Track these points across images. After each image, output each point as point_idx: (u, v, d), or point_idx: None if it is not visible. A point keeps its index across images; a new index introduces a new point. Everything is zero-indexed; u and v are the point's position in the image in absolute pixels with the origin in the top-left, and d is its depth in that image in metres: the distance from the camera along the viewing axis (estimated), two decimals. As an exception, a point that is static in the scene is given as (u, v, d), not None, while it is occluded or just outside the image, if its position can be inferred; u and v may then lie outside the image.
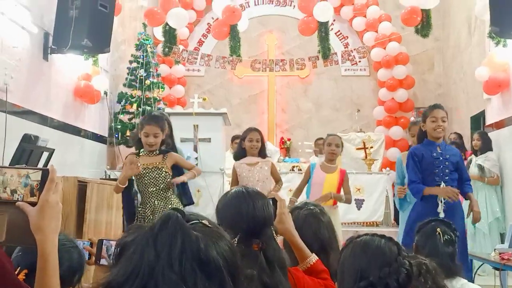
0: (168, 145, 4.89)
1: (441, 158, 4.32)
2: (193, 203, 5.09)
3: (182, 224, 1.04)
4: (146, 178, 4.43)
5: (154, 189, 4.43)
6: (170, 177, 4.47)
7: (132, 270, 0.99)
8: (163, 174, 4.44)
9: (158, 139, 4.41)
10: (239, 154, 5.30)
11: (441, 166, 4.30)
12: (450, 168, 4.31)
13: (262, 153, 5.22)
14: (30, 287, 1.39)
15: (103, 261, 2.11)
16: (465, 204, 4.58)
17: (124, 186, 4.41)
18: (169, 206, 4.36)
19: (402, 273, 1.60)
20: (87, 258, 2.13)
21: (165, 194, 4.47)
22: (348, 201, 5.28)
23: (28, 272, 1.62)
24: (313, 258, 2.12)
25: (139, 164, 4.38)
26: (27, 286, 1.34)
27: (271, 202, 2.04)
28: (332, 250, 2.38)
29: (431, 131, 4.35)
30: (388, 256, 1.62)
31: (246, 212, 1.90)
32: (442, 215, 4.13)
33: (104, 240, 2.18)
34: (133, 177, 4.46)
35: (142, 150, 4.48)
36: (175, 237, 1.01)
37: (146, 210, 4.44)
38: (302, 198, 5.27)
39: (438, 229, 2.63)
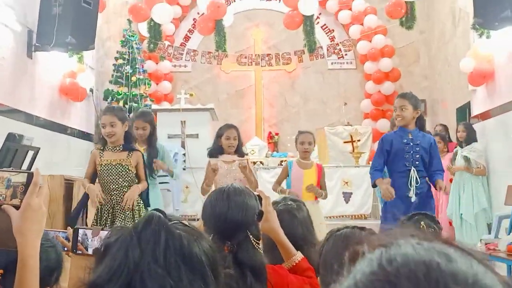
0: (148, 142, 5.17)
1: (411, 144, 4.44)
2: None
3: (165, 222, 1.07)
4: (108, 175, 4.33)
5: (115, 186, 4.32)
6: (133, 176, 4.37)
7: (117, 267, 1.01)
8: (126, 172, 4.33)
9: (116, 129, 4.28)
10: (215, 151, 5.02)
11: (411, 152, 4.43)
12: (421, 153, 4.44)
13: (239, 151, 5.00)
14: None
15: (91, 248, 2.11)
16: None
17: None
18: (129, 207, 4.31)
19: None
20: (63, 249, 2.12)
21: (125, 192, 4.33)
22: (325, 196, 5.30)
23: (4, 272, 1.60)
24: (298, 256, 2.11)
25: (101, 159, 4.33)
26: None
27: (255, 203, 1.96)
28: (306, 245, 2.36)
29: (395, 121, 4.60)
30: None
31: (219, 213, 1.85)
32: (413, 199, 4.35)
33: (79, 229, 2.18)
34: (97, 172, 4.39)
35: (107, 145, 4.38)
36: (159, 234, 1.04)
37: (106, 207, 4.33)
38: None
39: (422, 223, 2.65)
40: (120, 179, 4.31)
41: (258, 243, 1.87)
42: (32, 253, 1.41)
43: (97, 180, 4.44)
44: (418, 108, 4.54)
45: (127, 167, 4.32)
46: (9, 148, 4.85)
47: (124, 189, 4.32)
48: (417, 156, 4.44)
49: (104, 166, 4.31)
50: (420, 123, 4.57)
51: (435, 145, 4.63)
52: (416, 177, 4.39)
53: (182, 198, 7.73)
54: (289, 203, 2.51)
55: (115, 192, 4.32)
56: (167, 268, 1.01)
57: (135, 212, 4.35)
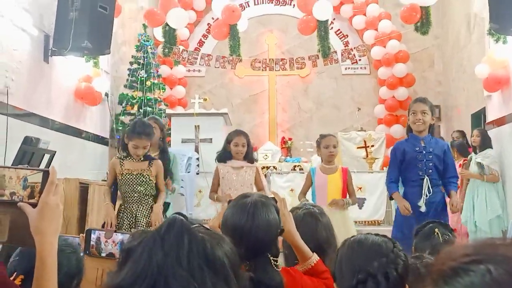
0: (160, 147, 5.13)
1: (424, 152, 4.35)
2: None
3: (187, 225, 1.08)
4: (129, 184, 4.36)
5: (136, 194, 4.37)
6: (153, 185, 4.41)
7: (141, 271, 1.01)
8: (146, 182, 4.37)
9: (146, 149, 4.39)
10: (224, 157, 5.03)
11: (424, 160, 4.34)
12: (435, 161, 4.36)
13: (248, 158, 5.00)
14: None
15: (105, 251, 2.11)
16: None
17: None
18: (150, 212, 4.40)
19: (400, 264, 1.62)
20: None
21: (146, 200, 4.40)
22: (354, 202, 4.98)
23: (24, 278, 1.61)
24: (314, 259, 2.08)
25: (121, 168, 4.35)
26: None
27: (278, 217, 1.86)
28: (330, 250, 2.31)
29: (412, 125, 4.42)
30: (384, 249, 1.65)
31: (241, 233, 1.75)
32: (423, 208, 4.28)
33: (91, 230, 2.18)
34: (118, 180, 4.43)
35: (129, 156, 4.41)
36: (182, 237, 1.04)
37: (126, 215, 4.37)
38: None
39: (436, 230, 2.65)
40: (141, 188, 4.35)
41: (276, 260, 1.81)
42: (50, 251, 1.41)
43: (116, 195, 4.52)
44: (434, 115, 4.50)
45: (148, 177, 4.35)
46: (26, 151, 4.90)
47: (144, 197, 4.38)
48: (430, 164, 4.35)
49: (125, 175, 4.35)
50: (432, 130, 4.52)
51: (448, 150, 4.55)
52: (429, 186, 4.32)
53: (195, 202, 7.75)
54: (309, 207, 2.48)
55: (135, 199, 4.37)
56: (191, 271, 1.01)
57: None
